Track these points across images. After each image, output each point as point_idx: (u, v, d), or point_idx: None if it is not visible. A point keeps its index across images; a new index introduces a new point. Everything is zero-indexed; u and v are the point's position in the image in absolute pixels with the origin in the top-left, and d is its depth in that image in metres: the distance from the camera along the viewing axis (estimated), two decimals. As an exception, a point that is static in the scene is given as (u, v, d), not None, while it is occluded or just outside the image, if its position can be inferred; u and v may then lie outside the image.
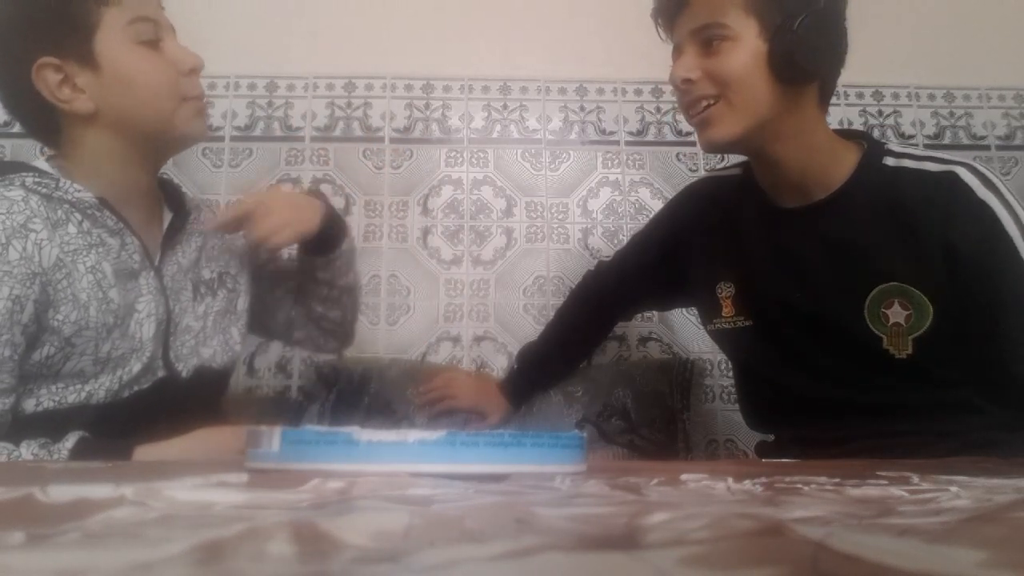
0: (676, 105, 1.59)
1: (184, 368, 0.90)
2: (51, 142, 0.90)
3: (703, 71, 0.89)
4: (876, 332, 0.90)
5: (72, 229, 0.81)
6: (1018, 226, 0.85)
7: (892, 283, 0.89)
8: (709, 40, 0.89)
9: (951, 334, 0.87)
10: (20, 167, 0.84)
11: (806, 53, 0.86)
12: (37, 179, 0.81)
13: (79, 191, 0.83)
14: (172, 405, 0.86)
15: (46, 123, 0.86)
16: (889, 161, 0.93)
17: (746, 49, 0.88)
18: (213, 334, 0.95)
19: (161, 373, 0.87)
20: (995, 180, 0.88)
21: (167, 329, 0.89)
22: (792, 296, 0.96)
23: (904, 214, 0.89)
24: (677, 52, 0.94)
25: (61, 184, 0.82)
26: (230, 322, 0.99)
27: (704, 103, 0.90)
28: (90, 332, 0.80)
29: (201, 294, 0.96)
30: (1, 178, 0.81)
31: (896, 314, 0.89)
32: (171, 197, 0.97)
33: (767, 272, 0.99)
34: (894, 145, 0.96)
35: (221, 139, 1.57)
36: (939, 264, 0.87)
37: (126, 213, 0.87)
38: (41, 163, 0.86)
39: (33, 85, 0.82)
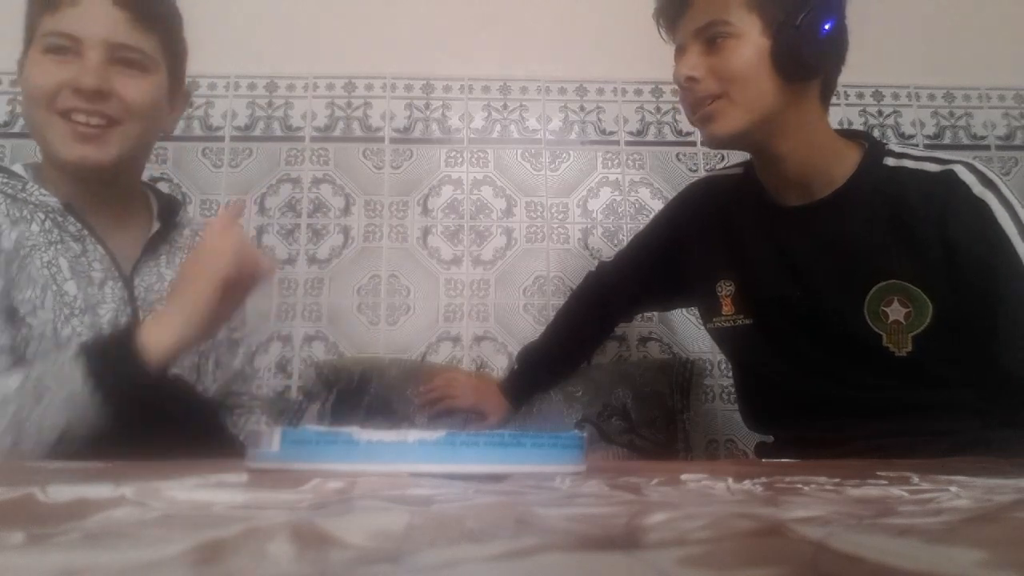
0: (676, 105, 1.60)
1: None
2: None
3: (707, 69, 0.90)
4: (876, 330, 0.90)
5: (35, 228, 0.83)
6: (1015, 222, 0.85)
7: (891, 281, 0.89)
8: (712, 38, 0.89)
9: (950, 331, 0.87)
10: None
11: (809, 49, 0.87)
12: (4, 179, 0.84)
13: (44, 195, 0.84)
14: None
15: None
16: (889, 161, 0.93)
17: (749, 46, 0.88)
18: (187, 355, 0.92)
19: None
20: (993, 178, 0.88)
21: None
22: (792, 294, 0.96)
23: (903, 212, 0.89)
24: (680, 52, 0.94)
25: (27, 187, 0.84)
26: (209, 348, 0.96)
27: (708, 101, 0.91)
28: (46, 313, 0.80)
29: None
30: None
31: (895, 312, 0.89)
32: (165, 208, 0.97)
33: (767, 270, 0.99)
34: (894, 145, 0.97)
35: (221, 139, 1.57)
36: (938, 261, 0.87)
37: (93, 220, 0.87)
38: (17, 167, 0.88)
39: None
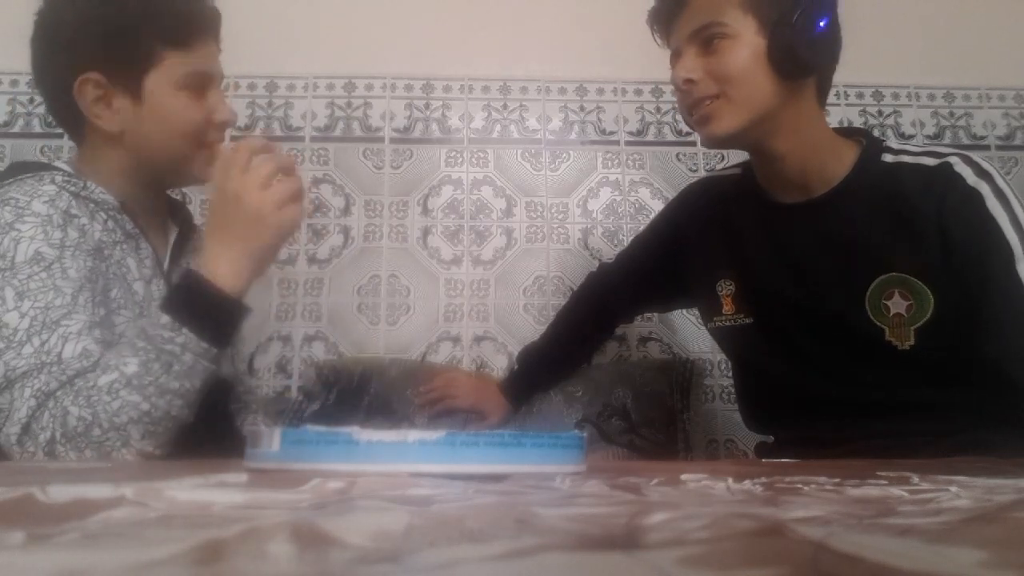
0: (676, 105, 1.60)
1: None
2: (74, 139, 0.92)
3: (704, 71, 0.90)
4: (878, 324, 0.90)
5: (99, 225, 0.84)
6: (1007, 211, 0.85)
7: (892, 274, 0.89)
8: (708, 40, 0.90)
9: (952, 323, 0.87)
10: (48, 167, 0.87)
11: (805, 47, 0.87)
12: (65, 179, 0.85)
13: (103, 193, 0.86)
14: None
15: (73, 124, 0.89)
16: (887, 157, 0.94)
17: (746, 46, 0.89)
18: None
19: None
20: (988, 168, 0.89)
21: None
22: (792, 291, 0.97)
23: (902, 205, 0.90)
24: (675, 56, 0.95)
25: (88, 185, 0.85)
26: None
27: (706, 102, 0.91)
28: (128, 312, 0.83)
29: None
30: (32, 175, 0.84)
31: (897, 305, 0.89)
32: (177, 212, 1.00)
33: (767, 268, 0.99)
34: (892, 142, 0.97)
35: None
36: (936, 252, 0.87)
37: (139, 220, 0.90)
38: (63, 165, 0.89)
39: (72, 89, 0.84)
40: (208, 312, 0.76)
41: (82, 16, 0.84)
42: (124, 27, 0.83)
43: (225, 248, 0.77)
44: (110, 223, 0.85)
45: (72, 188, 0.84)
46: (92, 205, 0.84)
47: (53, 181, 0.83)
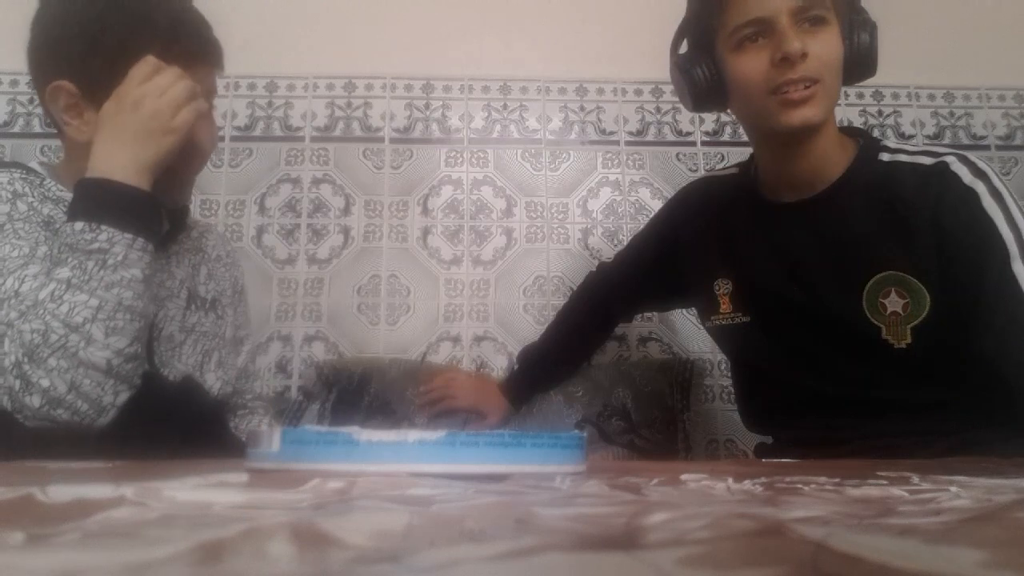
0: (677, 105, 1.60)
1: (171, 373, 0.89)
2: (60, 138, 0.92)
3: (809, 51, 0.86)
4: (874, 322, 0.90)
5: (48, 207, 0.84)
6: (1002, 209, 0.85)
7: (888, 272, 0.89)
8: (813, 21, 0.88)
9: (949, 322, 0.87)
10: (12, 165, 0.87)
11: (871, 60, 0.91)
12: (24, 175, 0.85)
13: (61, 190, 0.86)
14: (159, 406, 0.84)
15: (54, 124, 0.89)
16: (884, 156, 0.94)
17: (838, 38, 0.89)
18: (192, 353, 0.93)
19: (145, 367, 0.86)
20: (984, 168, 0.89)
21: (150, 333, 0.87)
22: (789, 290, 0.97)
23: (899, 204, 0.90)
24: (756, 24, 0.89)
25: (45, 182, 0.86)
26: (215, 346, 0.97)
27: (806, 84, 0.87)
28: None
29: (194, 308, 0.96)
30: None
31: (893, 303, 0.89)
32: (173, 209, 0.97)
33: (764, 267, 0.99)
34: (890, 142, 0.98)
35: (221, 139, 1.57)
36: (932, 251, 0.87)
37: None
38: (34, 164, 0.89)
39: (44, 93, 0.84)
40: (120, 205, 0.76)
41: (67, 23, 0.83)
42: (108, 43, 0.81)
43: (117, 149, 0.78)
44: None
45: (27, 179, 0.85)
46: (49, 203, 0.84)
47: (10, 172, 0.84)
